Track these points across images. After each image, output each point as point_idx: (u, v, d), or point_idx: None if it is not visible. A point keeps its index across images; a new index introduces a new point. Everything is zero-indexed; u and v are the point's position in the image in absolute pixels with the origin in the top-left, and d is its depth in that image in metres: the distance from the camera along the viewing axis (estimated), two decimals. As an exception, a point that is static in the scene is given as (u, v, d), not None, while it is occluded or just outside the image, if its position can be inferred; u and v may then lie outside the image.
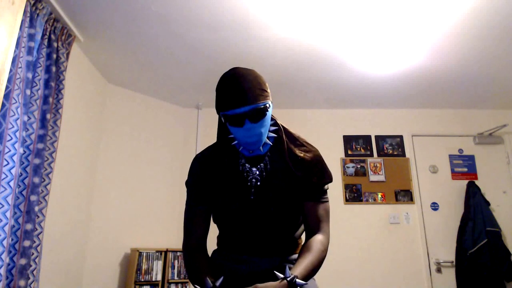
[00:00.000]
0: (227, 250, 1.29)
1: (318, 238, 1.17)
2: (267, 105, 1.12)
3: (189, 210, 1.28)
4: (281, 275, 1.00)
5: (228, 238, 1.29)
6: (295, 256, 1.25)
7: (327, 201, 1.25)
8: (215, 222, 1.31)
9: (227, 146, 1.24)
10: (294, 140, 1.26)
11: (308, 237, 1.21)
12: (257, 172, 1.21)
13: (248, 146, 1.17)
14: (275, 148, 1.23)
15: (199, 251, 1.21)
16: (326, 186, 1.25)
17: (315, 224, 1.20)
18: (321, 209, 1.22)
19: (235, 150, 1.24)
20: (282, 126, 1.26)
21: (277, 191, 1.20)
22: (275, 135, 1.23)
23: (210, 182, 1.23)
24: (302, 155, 1.21)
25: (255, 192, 1.20)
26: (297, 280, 0.99)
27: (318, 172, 1.22)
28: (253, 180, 1.20)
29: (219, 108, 1.13)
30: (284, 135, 1.24)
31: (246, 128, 1.10)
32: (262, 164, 1.22)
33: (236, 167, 1.23)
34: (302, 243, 1.25)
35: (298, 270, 1.04)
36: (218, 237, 1.35)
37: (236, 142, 1.22)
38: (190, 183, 1.30)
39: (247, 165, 1.22)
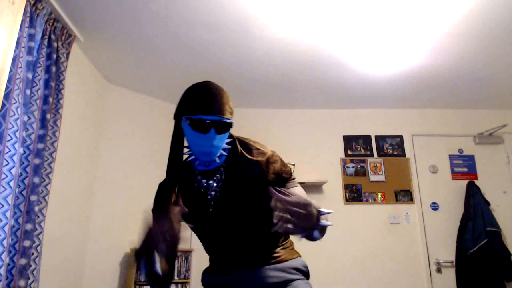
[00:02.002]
0: (215, 267, 1.31)
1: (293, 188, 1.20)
2: (232, 123, 1.17)
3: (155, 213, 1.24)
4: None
5: (211, 255, 1.32)
6: (286, 263, 1.25)
7: (298, 186, 1.25)
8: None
9: (182, 165, 1.23)
10: (247, 146, 1.26)
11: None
12: (215, 184, 1.22)
13: (202, 156, 1.17)
14: (230, 159, 1.24)
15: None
16: (292, 178, 1.26)
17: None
18: (289, 187, 1.22)
19: (190, 167, 1.25)
20: (236, 137, 1.28)
21: (237, 198, 1.20)
22: (230, 147, 1.24)
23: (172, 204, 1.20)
24: (255, 157, 1.22)
25: (214, 204, 1.21)
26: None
27: (277, 170, 1.22)
28: (212, 192, 1.21)
29: (187, 111, 1.15)
30: (238, 144, 1.25)
31: (209, 136, 1.13)
32: (218, 175, 1.22)
33: (193, 184, 1.24)
34: (291, 245, 1.27)
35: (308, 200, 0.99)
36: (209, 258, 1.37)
37: (192, 157, 1.22)
38: (154, 211, 1.26)
39: (203, 180, 1.23)
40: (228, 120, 1.15)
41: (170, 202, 1.17)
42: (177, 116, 1.21)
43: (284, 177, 1.23)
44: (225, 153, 1.22)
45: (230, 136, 1.25)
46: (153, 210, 1.27)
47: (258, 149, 1.26)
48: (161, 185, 1.31)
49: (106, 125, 3.34)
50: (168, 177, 1.22)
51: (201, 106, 1.13)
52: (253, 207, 1.20)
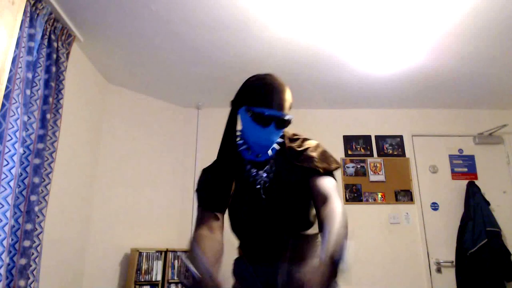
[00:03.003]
0: (249, 258, 1.28)
1: (336, 207, 1.02)
2: (292, 119, 1.17)
3: (200, 213, 1.22)
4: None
5: (247, 245, 1.29)
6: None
7: (334, 179, 1.19)
8: (232, 231, 1.31)
9: (232, 153, 1.21)
10: (295, 140, 1.28)
11: (319, 206, 1.11)
12: (264, 175, 1.22)
13: (258, 149, 1.19)
14: (279, 152, 1.25)
15: (206, 235, 1.12)
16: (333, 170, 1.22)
17: (324, 193, 1.11)
18: (328, 181, 1.16)
19: (239, 156, 1.23)
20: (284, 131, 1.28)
21: (287, 189, 1.20)
22: (281, 140, 1.25)
23: (220, 192, 1.20)
24: (303, 148, 1.23)
25: (265, 194, 1.20)
26: (334, 257, 0.88)
27: (324, 159, 1.20)
28: (262, 182, 1.21)
29: (249, 102, 1.14)
30: (286, 138, 1.27)
31: (268, 131, 1.14)
32: (268, 167, 1.23)
33: (242, 173, 1.23)
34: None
35: (326, 246, 0.90)
36: (239, 247, 1.35)
37: (244, 147, 1.22)
38: (199, 191, 1.26)
39: (253, 170, 1.23)
40: (289, 118, 1.16)
41: (220, 192, 1.17)
42: (236, 104, 1.20)
43: (329, 168, 1.19)
44: (277, 147, 1.23)
45: None
46: (200, 198, 1.23)
47: (304, 141, 1.27)
48: (207, 172, 1.27)
49: (106, 125, 3.34)
50: (220, 164, 1.20)
51: (264, 100, 1.12)
52: (300, 200, 1.20)
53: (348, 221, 0.99)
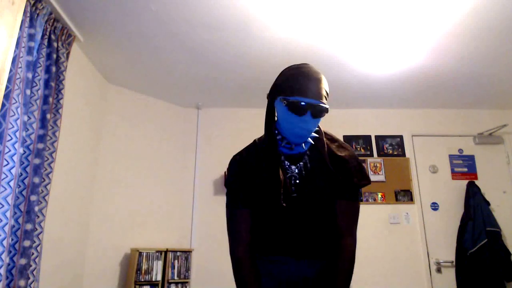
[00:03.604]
0: (265, 252, 1.24)
1: (349, 245, 1.17)
2: (328, 108, 1.15)
3: (233, 213, 1.25)
4: None
5: (267, 239, 1.25)
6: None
7: (359, 200, 1.25)
8: (254, 222, 1.27)
9: (273, 142, 1.21)
10: (333, 140, 1.27)
11: (337, 236, 1.19)
12: (296, 170, 1.21)
13: (294, 138, 1.17)
14: (314, 147, 1.24)
15: (246, 260, 1.20)
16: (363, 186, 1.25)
17: (346, 225, 1.20)
18: (354, 208, 1.21)
19: (274, 148, 1.22)
20: (322, 129, 1.27)
21: (316, 189, 1.19)
22: (316, 135, 1.23)
23: (251, 182, 1.21)
24: (342, 154, 1.22)
25: (296, 190, 1.19)
26: None
27: (357, 172, 1.22)
28: (292, 177, 1.20)
29: (284, 92, 1.14)
30: (323, 136, 1.25)
31: (304, 119, 1.12)
32: (301, 163, 1.21)
33: (276, 165, 1.21)
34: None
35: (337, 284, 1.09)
36: (255, 239, 1.30)
37: (278, 137, 1.21)
38: (231, 186, 1.27)
39: (286, 162, 1.21)
40: (326, 106, 1.13)
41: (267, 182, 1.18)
42: (272, 95, 1.19)
43: (364, 183, 1.22)
44: (311, 141, 1.21)
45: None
46: (229, 186, 1.26)
47: (343, 146, 1.26)
48: (239, 160, 1.27)
49: (106, 125, 3.34)
50: (255, 153, 1.21)
51: (299, 88, 1.11)
52: (327, 202, 1.19)
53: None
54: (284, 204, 1.16)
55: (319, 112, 1.13)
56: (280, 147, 1.22)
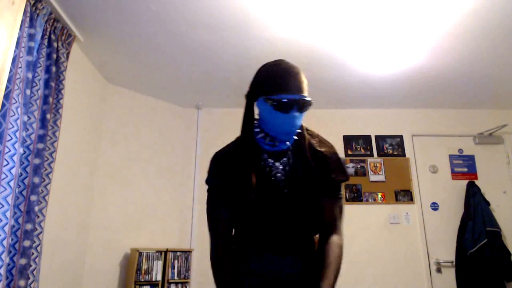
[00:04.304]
0: (251, 250, 1.24)
1: (336, 241, 1.19)
2: (312, 101, 1.14)
3: (213, 212, 1.26)
4: None
5: (248, 236, 1.25)
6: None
7: (342, 197, 1.26)
8: (236, 220, 1.27)
9: (249, 142, 1.22)
10: (314, 136, 1.28)
11: (323, 234, 1.21)
12: (281, 167, 1.20)
13: (283, 136, 1.17)
14: (296, 143, 1.24)
15: (225, 258, 1.20)
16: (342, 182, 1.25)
17: (331, 222, 1.21)
18: (337, 206, 1.23)
19: (256, 145, 1.22)
20: (303, 125, 1.28)
21: (300, 185, 1.19)
22: (299, 131, 1.23)
23: (232, 180, 1.21)
24: (322, 149, 1.22)
25: (279, 186, 1.19)
26: None
27: (337, 169, 1.22)
28: (278, 174, 1.20)
29: (266, 91, 1.13)
30: (305, 132, 1.25)
31: (290, 116, 1.11)
32: (285, 159, 1.21)
33: (259, 163, 1.21)
34: (317, 242, 1.25)
35: (325, 283, 1.07)
36: (235, 236, 1.29)
37: (260, 136, 1.21)
38: (211, 183, 1.27)
39: (270, 159, 1.21)
40: (309, 99, 1.13)
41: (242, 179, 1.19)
42: (252, 97, 1.19)
43: (342, 179, 1.22)
44: (295, 137, 1.21)
45: None
46: (211, 184, 1.26)
47: (323, 142, 1.27)
48: (221, 157, 1.27)
49: (106, 125, 3.34)
50: (241, 155, 1.21)
51: (280, 85, 1.10)
52: (310, 197, 1.20)
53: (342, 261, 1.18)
54: (252, 197, 1.17)
55: (304, 106, 1.12)
56: (262, 145, 1.21)
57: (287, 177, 1.19)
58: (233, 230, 1.29)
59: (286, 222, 1.20)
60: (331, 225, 1.21)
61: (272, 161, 1.21)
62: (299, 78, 1.13)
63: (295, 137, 1.22)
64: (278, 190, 1.19)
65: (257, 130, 1.21)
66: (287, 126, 1.13)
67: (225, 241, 1.22)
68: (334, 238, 1.19)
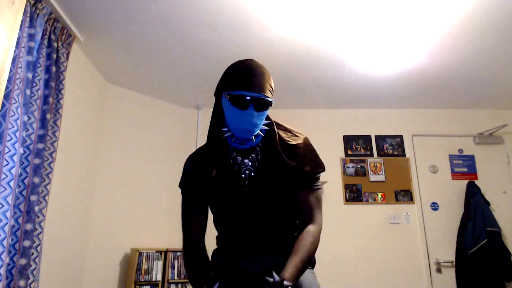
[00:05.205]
0: (227, 249, 1.27)
1: (309, 229, 1.18)
2: (272, 101, 1.16)
3: (185, 213, 1.29)
4: (271, 279, 1.00)
5: (227, 236, 1.28)
6: None
7: (319, 188, 1.26)
8: (213, 220, 1.30)
9: (218, 141, 1.24)
10: (285, 130, 1.28)
11: (301, 226, 1.21)
12: (250, 163, 1.21)
13: (240, 133, 1.17)
14: (266, 140, 1.24)
15: (197, 254, 1.23)
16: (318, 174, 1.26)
17: (308, 213, 1.21)
18: (313, 197, 1.23)
19: (226, 144, 1.24)
20: (274, 121, 1.28)
21: (271, 180, 1.19)
22: (267, 128, 1.24)
23: (203, 181, 1.23)
24: (294, 142, 1.23)
25: (249, 183, 1.19)
26: (285, 282, 0.99)
27: (311, 161, 1.23)
28: (247, 171, 1.20)
29: (228, 87, 1.15)
30: (275, 127, 1.26)
31: (247, 113, 1.12)
32: (253, 155, 1.22)
33: (228, 161, 1.22)
34: None
35: (287, 271, 1.05)
36: (217, 237, 1.34)
37: (228, 134, 1.21)
38: (183, 185, 1.30)
39: (238, 157, 1.22)
40: (268, 98, 1.14)
41: (202, 177, 1.21)
42: (218, 92, 1.21)
43: (317, 171, 1.23)
44: (261, 134, 1.22)
45: (268, 118, 1.25)
46: (182, 186, 1.29)
47: (295, 134, 1.27)
48: (192, 159, 1.31)
49: (106, 125, 3.34)
50: (206, 151, 1.24)
51: (241, 82, 1.12)
52: (283, 192, 1.20)
53: (316, 247, 1.19)
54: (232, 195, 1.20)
55: (262, 105, 1.13)
56: (231, 143, 1.22)
57: (256, 173, 1.20)
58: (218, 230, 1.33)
59: (257, 219, 1.20)
60: (308, 215, 1.21)
61: (241, 158, 1.22)
62: (262, 78, 1.14)
63: (262, 134, 1.22)
64: (246, 187, 1.19)
65: (225, 129, 1.22)
66: (243, 124, 1.14)
67: (193, 240, 1.25)
68: (309, 227, 1.19)
